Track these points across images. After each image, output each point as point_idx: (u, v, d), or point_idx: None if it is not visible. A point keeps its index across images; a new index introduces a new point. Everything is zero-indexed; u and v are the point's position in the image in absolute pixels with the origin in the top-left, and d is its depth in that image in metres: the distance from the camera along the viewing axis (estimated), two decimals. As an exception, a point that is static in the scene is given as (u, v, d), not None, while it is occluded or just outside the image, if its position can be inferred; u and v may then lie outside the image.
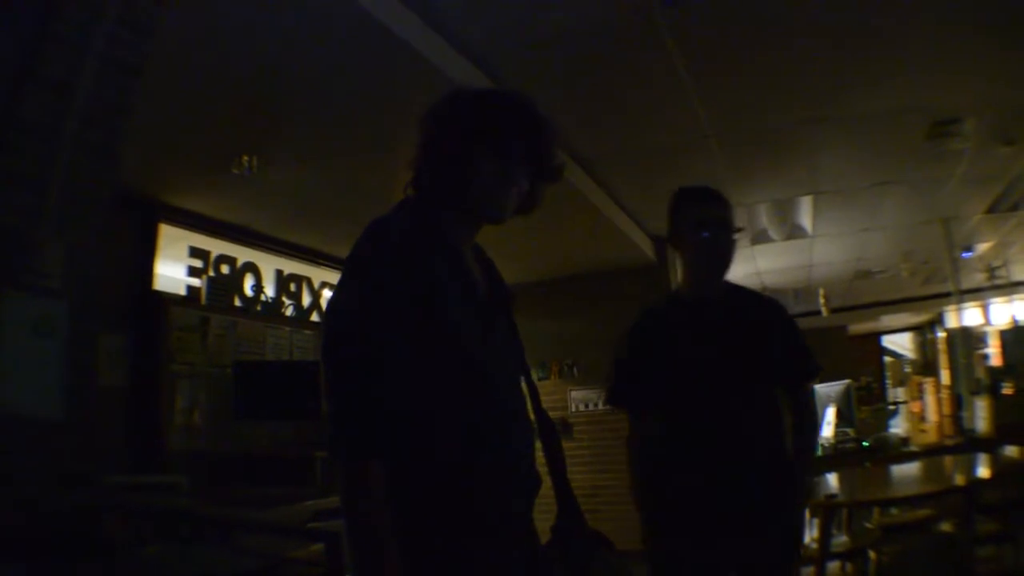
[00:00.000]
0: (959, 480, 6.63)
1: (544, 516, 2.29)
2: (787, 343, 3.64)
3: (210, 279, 8.06)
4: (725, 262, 3.61)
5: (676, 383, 3.54)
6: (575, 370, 11.54)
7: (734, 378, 3.46)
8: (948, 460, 8.60)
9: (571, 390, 11.50)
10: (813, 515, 6.06)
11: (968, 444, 10.89)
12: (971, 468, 7.22)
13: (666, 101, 6.67)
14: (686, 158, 7.97)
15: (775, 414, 3.57)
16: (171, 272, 7.70)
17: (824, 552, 5.97)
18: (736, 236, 3.63)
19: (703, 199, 3.66)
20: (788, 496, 3.46)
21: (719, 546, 3.39)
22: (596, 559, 2.32)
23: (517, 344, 2.35)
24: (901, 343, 21.19)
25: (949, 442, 12.30)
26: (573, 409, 11.44)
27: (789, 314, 3.78)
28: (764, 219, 10.33)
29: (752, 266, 12.60)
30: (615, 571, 2.33)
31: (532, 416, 2.33)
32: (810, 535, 5.87)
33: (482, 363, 2.14)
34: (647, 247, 10.86)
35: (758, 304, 3.75)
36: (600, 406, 11.18)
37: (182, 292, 7.78)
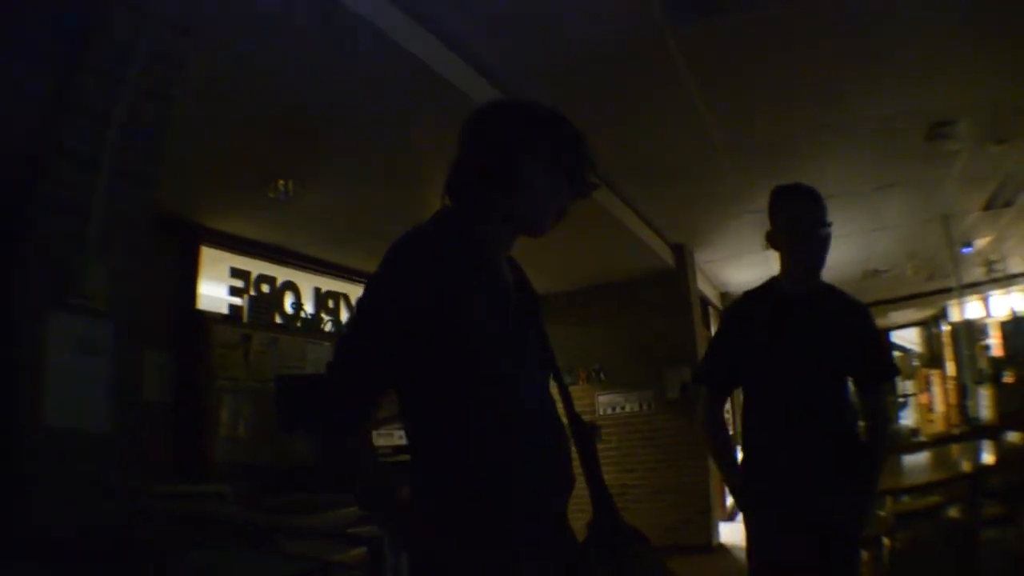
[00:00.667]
0: (966, 467, 6.57)
1: (577, 515, 2.23)
2: (868, 344, 3.66)
3: (251, 298, 8.06)
4: (816, 258, 3.59)
5: (760, 368, 3.61)
6: (602, 375, 11.48)
7: (813, 369, 3.50)
8: (955, 448, 8.52)
9: (598, 394, 11.47)
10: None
11: (973, 432, 10.79)
12: (976, 455, 7.16)
13: (679, 116, 6.69)
14: (699, 169, 8.00)
15: (849, 407, 3.63)
16: (214, 292, 7.70)
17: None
18: (827, 232, 3.59)
19: (794, 197, 3.63)
20: (861, 478, 3.50)
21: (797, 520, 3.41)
22: (634, 554, 2.26)
23: (547, 350, 2.29)
24: (909, 338, 21.11)
25: (955, 431, 12.26)
26: (601, 412, 11.40)
27: (872, 318, 3.79)
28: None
29: (766, 269, 12.54)
30: (652, 566, 2.27)
31: (565, 419, 2.27)
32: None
33: (512, 372, 2.08)
34: (666, 255, 10.86)
35: (846, 305, 3.72)
36: (626, 409, 11.19)
37: (224, 311, 7.78)
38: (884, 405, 3.78)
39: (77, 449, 2.81)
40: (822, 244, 3.58)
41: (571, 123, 2.23)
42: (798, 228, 3.55)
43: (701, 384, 3.93)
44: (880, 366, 3.74)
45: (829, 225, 3.58)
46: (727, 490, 3.94)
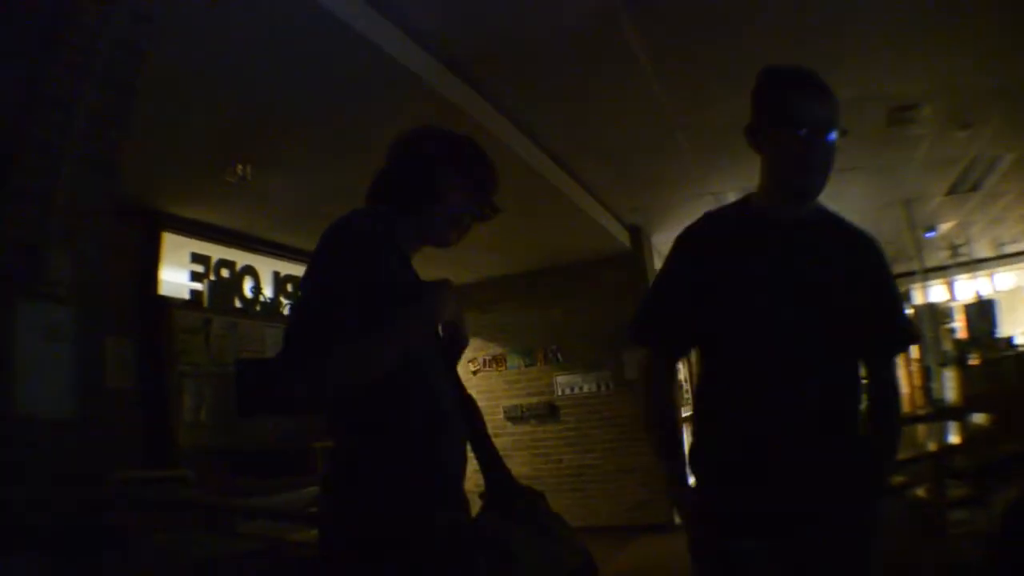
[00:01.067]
0: (931, 447, 6.67)
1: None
2: (882, 298, 2.71)
3: (211, 283, 8.11)
4: (820, 175, 2.60)
5: (728, 321, 2.63)
6: (559, 356, 11.63)
7: (809, 330, 2.53)
8: (920, 429, 8.64)
9: (556, 375, 11.59)
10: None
11: (938, 413, 10.95)
12: (942, 436, 7.26)
13: (634, 95, 6.70)
14: (656, 150, 8.03)
15: (853, 382, 2.67)
16: (175, 277, 7.75)
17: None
18: (836, 143, 2.58)
19: (804, 87, 2.63)
20: (863, 486, 2.56)
21: (767, 530, 2.49)
22: (529, 505, 2.45)
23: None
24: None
25: (920, 412, 12.36)
26: (559, 393, 11.52)
27: (887, 260, 2.78)
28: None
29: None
30: (549, 515, 2.45)
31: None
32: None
33: (430, 361, 2.32)
34: (624, 237, 10.99)
35: (855, 241, 2.75)
36: (585, 389, 11.37)
37: (186, 296, 7.84)
38: (896, 384, 2.81)
39: (42, 436, 2.87)
40: (830, 159, 2.61)
41: (486, 153, 2.52)
42: (799, 127, 2.53)
43: (642, 345, 2.86)
44: (897, 329, 2.77)
45: (843, 132, 2.60)
46: (673, 503, 2.85)
